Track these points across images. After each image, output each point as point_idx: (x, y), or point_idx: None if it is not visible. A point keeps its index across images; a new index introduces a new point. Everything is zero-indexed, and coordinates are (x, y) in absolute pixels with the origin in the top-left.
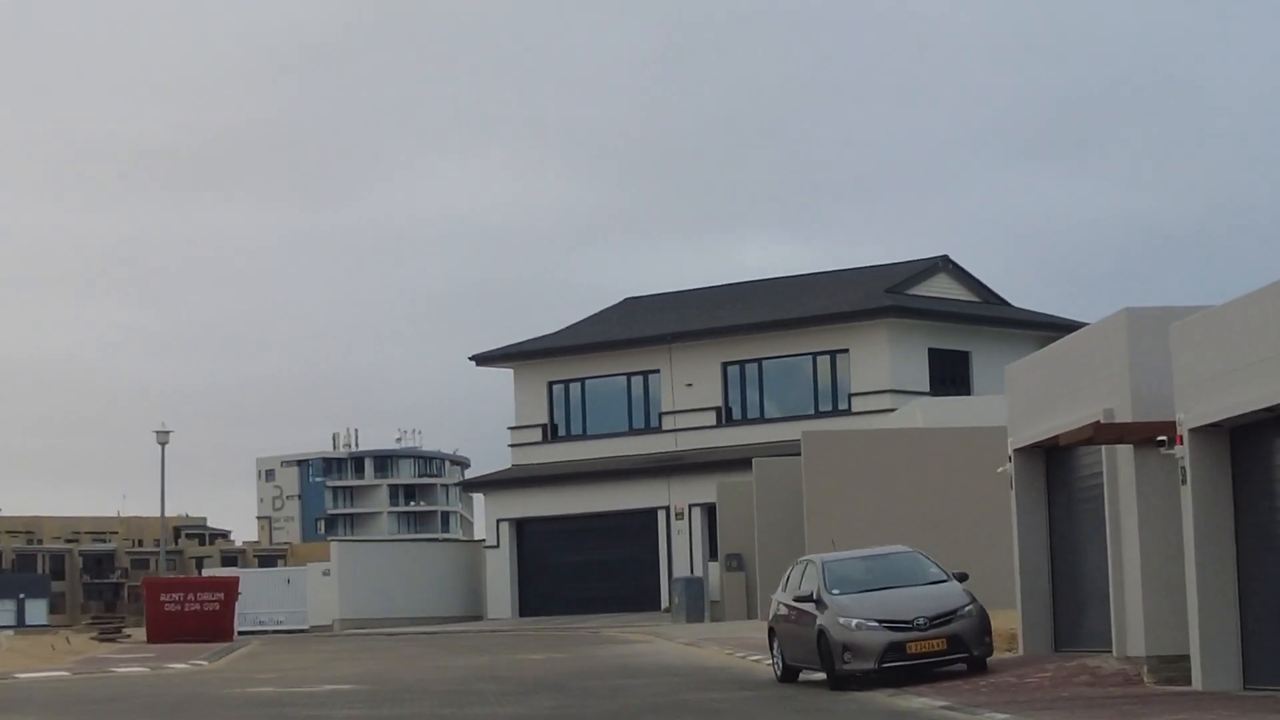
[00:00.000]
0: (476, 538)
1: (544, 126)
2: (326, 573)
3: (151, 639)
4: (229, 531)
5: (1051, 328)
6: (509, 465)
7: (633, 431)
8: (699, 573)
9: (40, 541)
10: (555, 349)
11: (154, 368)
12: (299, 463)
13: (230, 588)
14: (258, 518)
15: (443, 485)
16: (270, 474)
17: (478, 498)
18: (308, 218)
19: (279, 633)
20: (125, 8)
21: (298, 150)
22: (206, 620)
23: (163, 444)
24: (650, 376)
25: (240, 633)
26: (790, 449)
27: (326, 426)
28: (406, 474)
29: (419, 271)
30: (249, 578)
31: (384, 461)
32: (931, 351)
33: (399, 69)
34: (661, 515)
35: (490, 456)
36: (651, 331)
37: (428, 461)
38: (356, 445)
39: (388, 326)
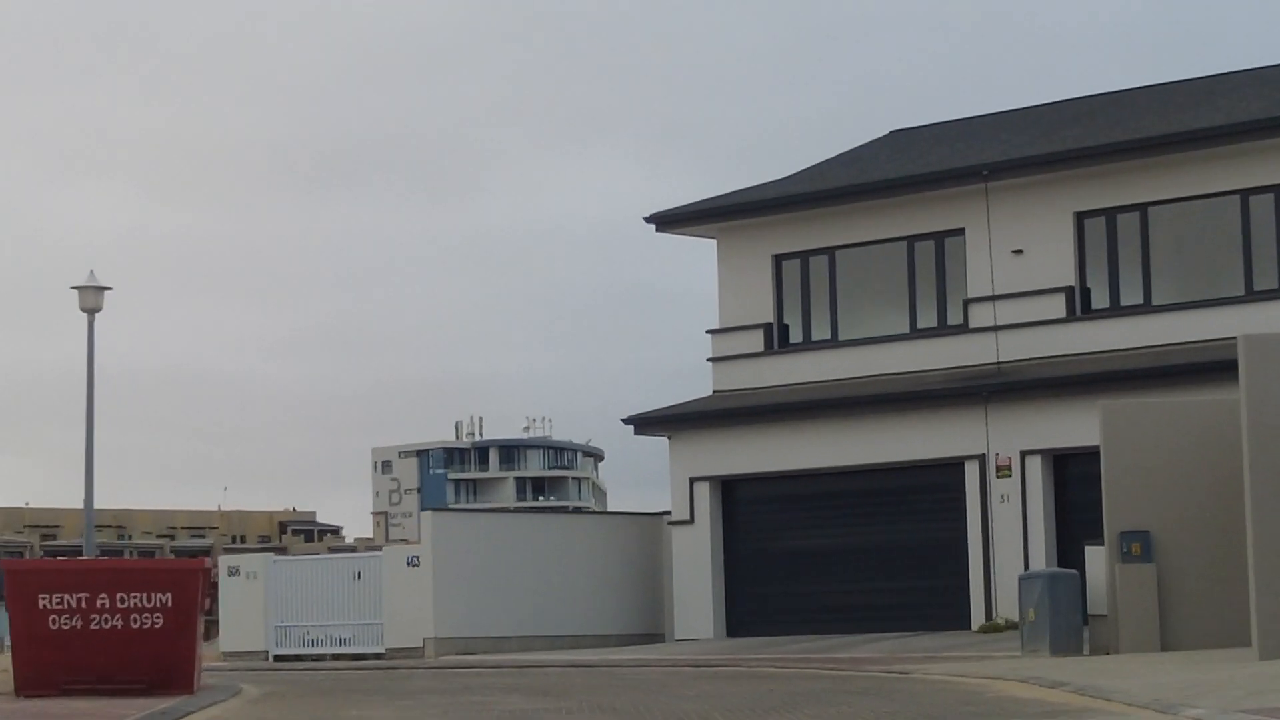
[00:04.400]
0: (655, 510)
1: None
2: (414, 561)
3: (23, 688)
4: (340, 527)
5: None
6: (708, 393)
7: (918, 333)
8: (1039, 564)
9: (130, 537)
10: (786, 200)
11: (272, 369)
12: (418, 453)
13: (187, 583)
14: (373, 513)
15: (574, 478)
16: (387, 465)
17: (652, 447)
18: (432, 219)
19: (339, 660)
20: (251, 10)
21: (422, 152)
22: (136, 648)
23: (90, 312)
24: (948, 241)
25: (278, 657)
26: (1208, 357)
27: (450, 419)
28: (535, 466)
29: (549, 271)
30: (293, 569)
31: (510, 452)
32: None
33: (524, 68)
34: (972, 470)
35: (629, 446)
36: (947, 165)
37: (558, 452)
38: (481, 435)
39: (516, 325)
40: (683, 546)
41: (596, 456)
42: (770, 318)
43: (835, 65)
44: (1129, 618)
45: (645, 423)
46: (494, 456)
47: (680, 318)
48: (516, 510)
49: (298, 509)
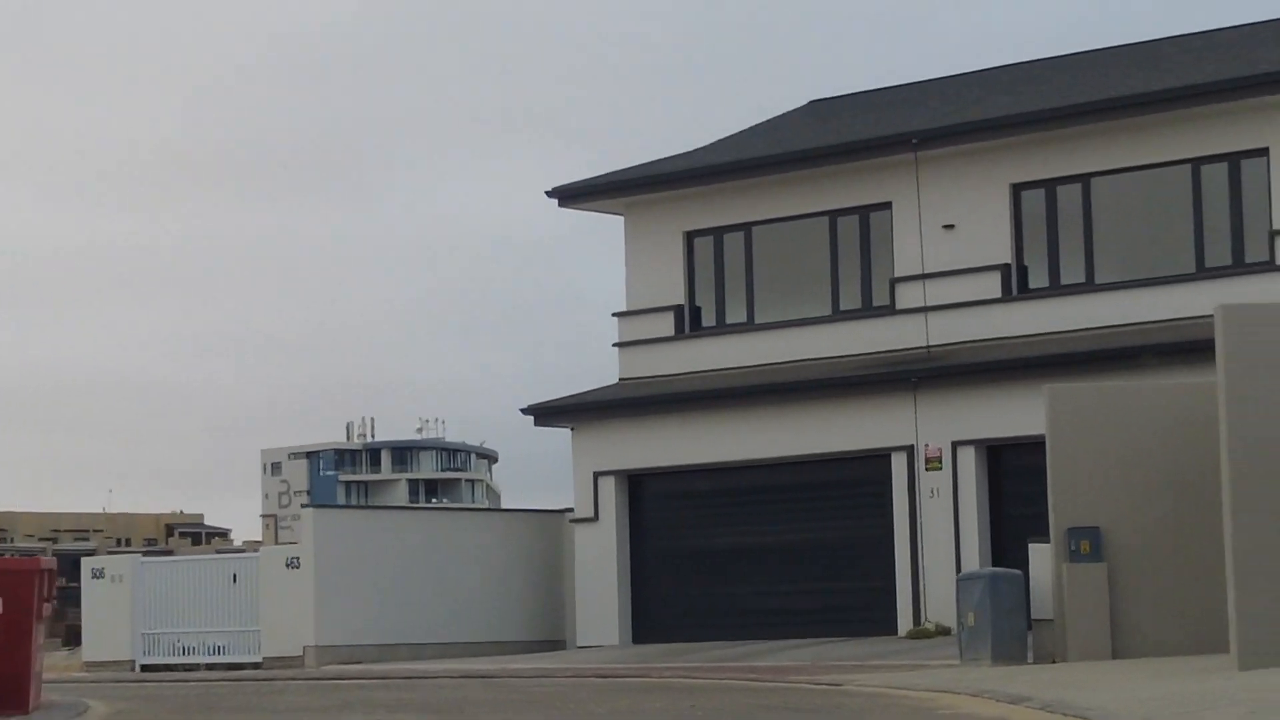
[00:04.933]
0: (557, 507)
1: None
2: (294, 563)
3: None
4: (228, 530)
5: None
6: (614, 380)
7: (841, 315)
8: (972, 564)
9: (12, 539)
10: (698, 172)
11: (164, 371)
12: (308, 455)
13: (19, 586)
14: (262, 516)
15: (468, 480)
16: (277, 467)
17: (552, 439)
18: (327, 220)
19: (213, 669)
20: (152, 9)
21: (320, 153)
22: None
23: None
24: (874, 216)
25: (146, 667)
26: (1156, 340)
27: (343, 421)
28: (428, 467)
29: (447, 273)
30: (162, 572)
31: (403, 454)
32: None
33: (424, 68)
34: (900, 463)
35: (525, 449)
36: (873, 133)
37: (452, 454)
38: (373, 436)
39: (413, 326)
40: (586, 546)
41: (491, 458)
42: (681, 299)
43: (750, 42)
44: (1078, 622)
45: (546, 413)
46: (386, 458)
47: (583, 319)
48: (406, 508)
49: (185, 511)
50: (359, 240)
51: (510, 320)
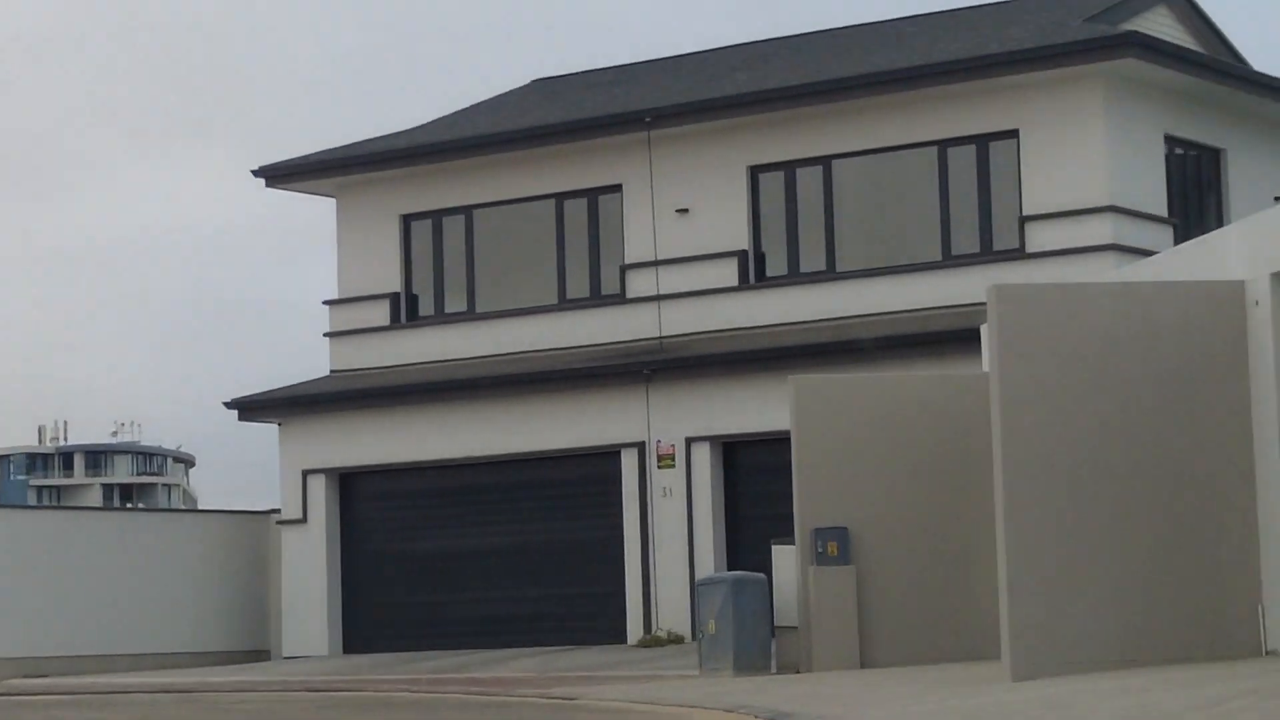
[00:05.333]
0: (263, 508)
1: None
2: None
3: None
4: None
5: None
6: (325, 373)
7: (569, 304)
8: (707, 568)
9: None
10: (415, 151)
11: None
12: None
13: None
14: None
15: (164, 485)
16: None
17: (258, 434)
18: (15, 224)
19: None
20: None
21: (11, 153)
22: None
23: None
24: (603, 199)
25: None
26: (902, 330)
27: (33, 423)
28: (123, 472)
29: (143, 275)
30: None
31: (97, 458)
32: (1172, 145)
33: (117, 70)
34: (630, 460)
35: (228, 453)
36: (603, 111)
37: (148, 458)
38: (66, 439)
39: (108, 329)
40: (293, 550)
41: (188, 462)
42: (397, 287)
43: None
44: (824, 629)
45: (251, 407)
46: (79, 462)
47: (293, 312)
48: (95, 508)
49: None
50: (48, 242)
51: (214, 317)
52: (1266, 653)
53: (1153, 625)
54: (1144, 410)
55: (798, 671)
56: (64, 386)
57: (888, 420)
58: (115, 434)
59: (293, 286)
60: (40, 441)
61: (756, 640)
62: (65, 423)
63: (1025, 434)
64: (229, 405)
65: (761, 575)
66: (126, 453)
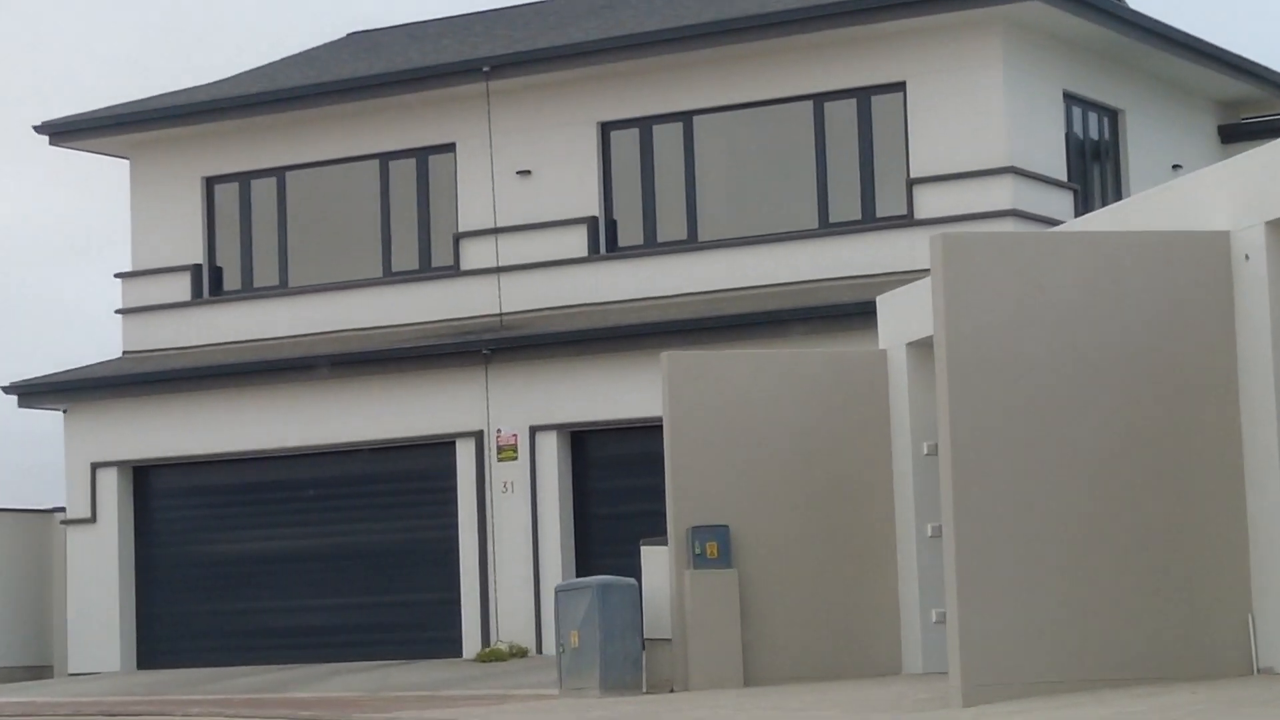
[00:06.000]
0: (45, 506)
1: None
2: None
3: None
4: None
5: (1260, 79)
6: (117, 355)
7: (395, 277)
8: (554, 573)
9: None
10: (220, 105)
11: None
12: None
13: None
14: None
15: None
16: None
17: (39, 429)
18: None
19: None
20: None
21: None
22: None
23: None
24: (434, 160)
25: None
26: (777, 305)
27: None
28: None
29: None
30: None
31: None
32: (1070, 103)
33: None
34: (466, 452)
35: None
36: (433, 60)
37: None
38: None
39: None
40: (81, 553)
41: None
42: (199, 258)
43: None
44: (703, 642)
45: (33, 392)
46: None
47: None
48: None
49: None
50: None
51: None
52: (1258, 671)
53: (1126, 640)
54: (1115, 384)
55: (672, 690)
56: None
57: (776, 403)
58: None
59: (73, 272)
60: None
61: (626, 654)
62: None
63: (976, 414)
64: (7, 390)
65: (631, 580)
66: None
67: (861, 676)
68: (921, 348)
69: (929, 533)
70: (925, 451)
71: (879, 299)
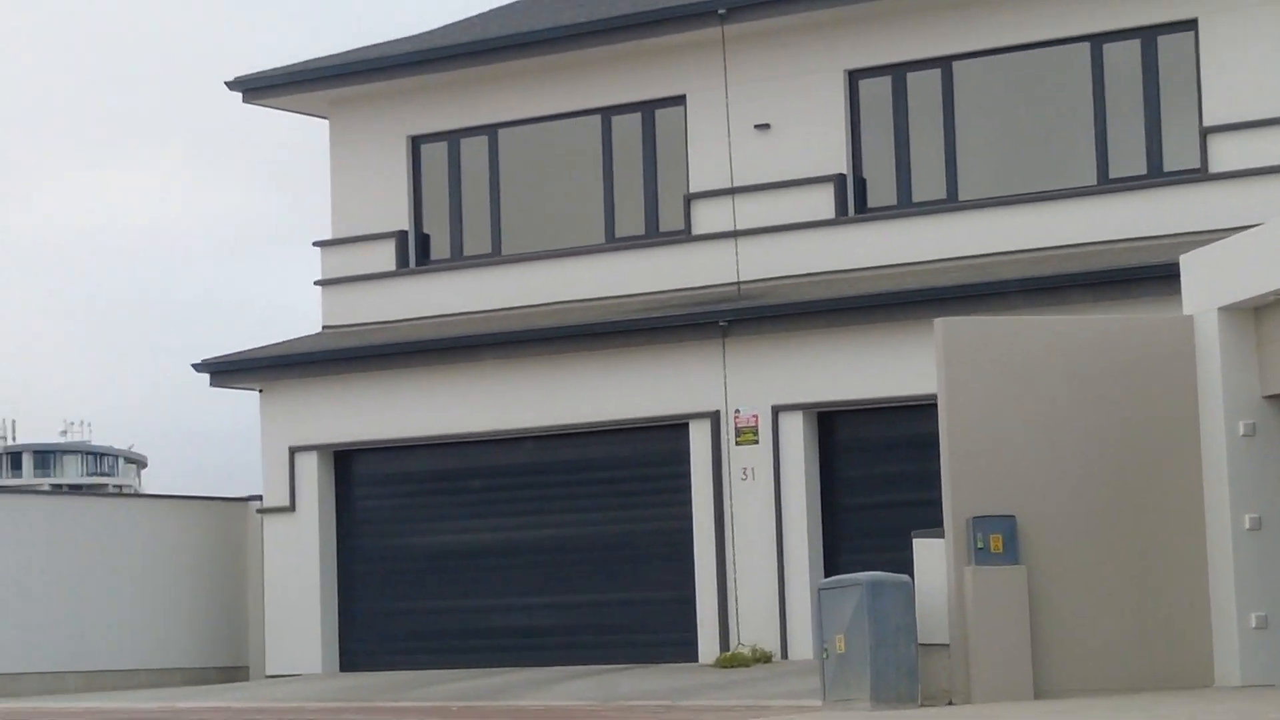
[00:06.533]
0: (242, 494)
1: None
2: None
3: None
4: None
5: None
6: (317, 330)
7: (619, 244)
8: (800, 569)
9: None
10: (427, 57)
11: None
12: None
13: None
14: None
15: (115, 486)
16: None
17: (207, 448)
18: None
19: None
20: None
21: None
22: None
23: None
24: (662, 114)
25: None
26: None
27: None
28: (73, 472)
29: (82, 282)
30: None
31: (46, 458)
32: None
33: (66, 74)
34: (701, 434)
35: (177, 456)
36: (662, 3)
37: (98, 458)
38: (14, 439)
39: (58, 330)
40: (278, 544)
41: (139, 463)
42: (405, 224)
43: None
44: (987, 647)
45: (226, 370)
46: (28, 462)
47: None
48: (31, 490)
49: None
50: None
51: (166, 314)
52: None
53: None
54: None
55: (951, 702)
56: (12, 387)
57: (1068, 377)
58: (64, 433)
59: (248, 281)
60: None
61: (900, 662)
62: (13, 422)
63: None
64: (199, 368)
65: (905, 578)
66: (76, 453)
67: (1168, 688)
68: (1237, 313)
69: (1247, 524)
70: (1242, 431)
71: (1183, 258)
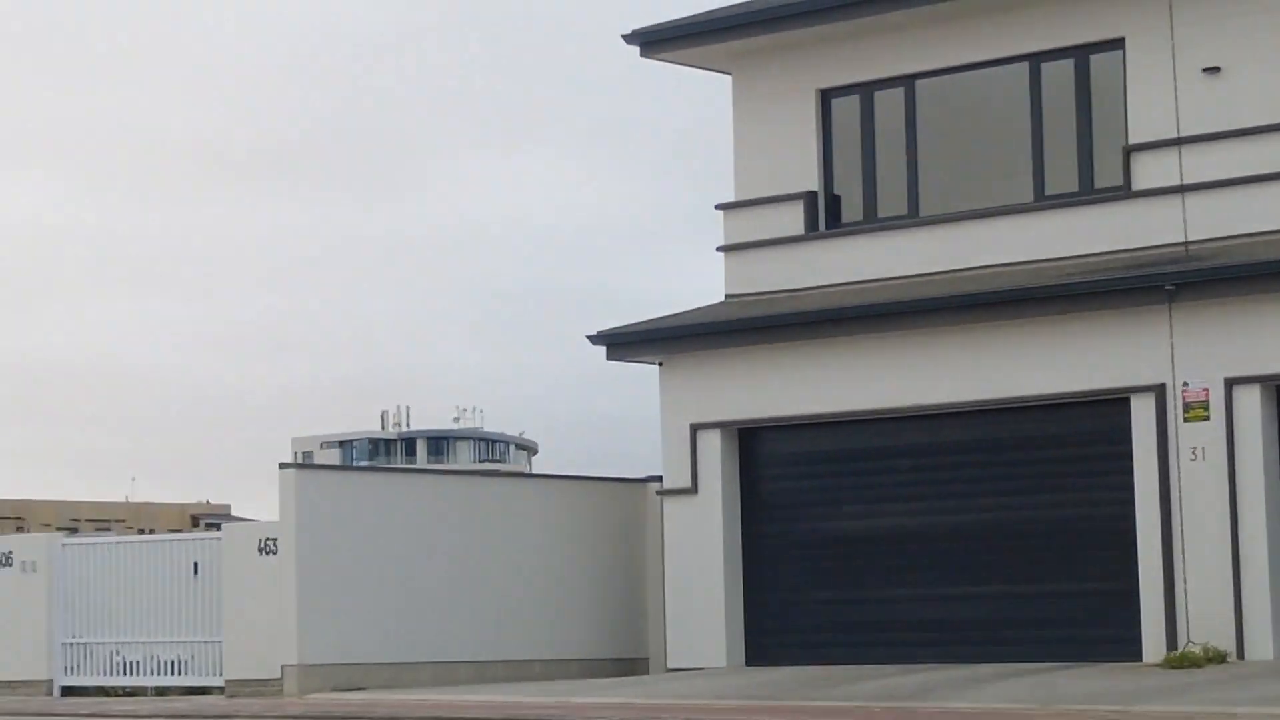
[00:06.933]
0: (641, 475)
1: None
2: (269, 546)
3: None
4: (255, 521)
5: None
6: (719, 299)
7: (1049, 201)
8: (1257, 562)
9: (28, 529)
10: (840, 4)
11: (195, 364)
12: (341, 444)
13: None
14: None
15: (507, 472)
16: (308, 457)
17: (597, 432)
18: (365, 216)
19: (167, 695)
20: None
21: (354, 147)
22: None
23: None
24: (1097, 59)
25: (70, 690)
26: None
27: (377, 413)
28: (465, 458)
29: (479, 270)
30: (94, 558)
31: (439, 444)
32: None
33: (461, 63)
34: (1144, 409)
35: (565, 445)
36: None
37: (489, 444)
38: (408, 425)
39: (450, 320)
40: (680, 529)
41: (530, 450)
42: (813, 184)
43: None
44: None
45: (623, 342)
46: (421, 448)
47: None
48: (427, 470)
49: (212, 501)
50: (394, 232)
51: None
52: None
53: None
54: None
55: None
56: (407, 374)
57: None
58: (457, 420)
59: (645, 261)
60: (383, 427)
61: None
62: (408, 409)
63: None
64: (595, 340)
65: None
66: (468, 439)
67: None
68: None
69: None
70: None
71: None
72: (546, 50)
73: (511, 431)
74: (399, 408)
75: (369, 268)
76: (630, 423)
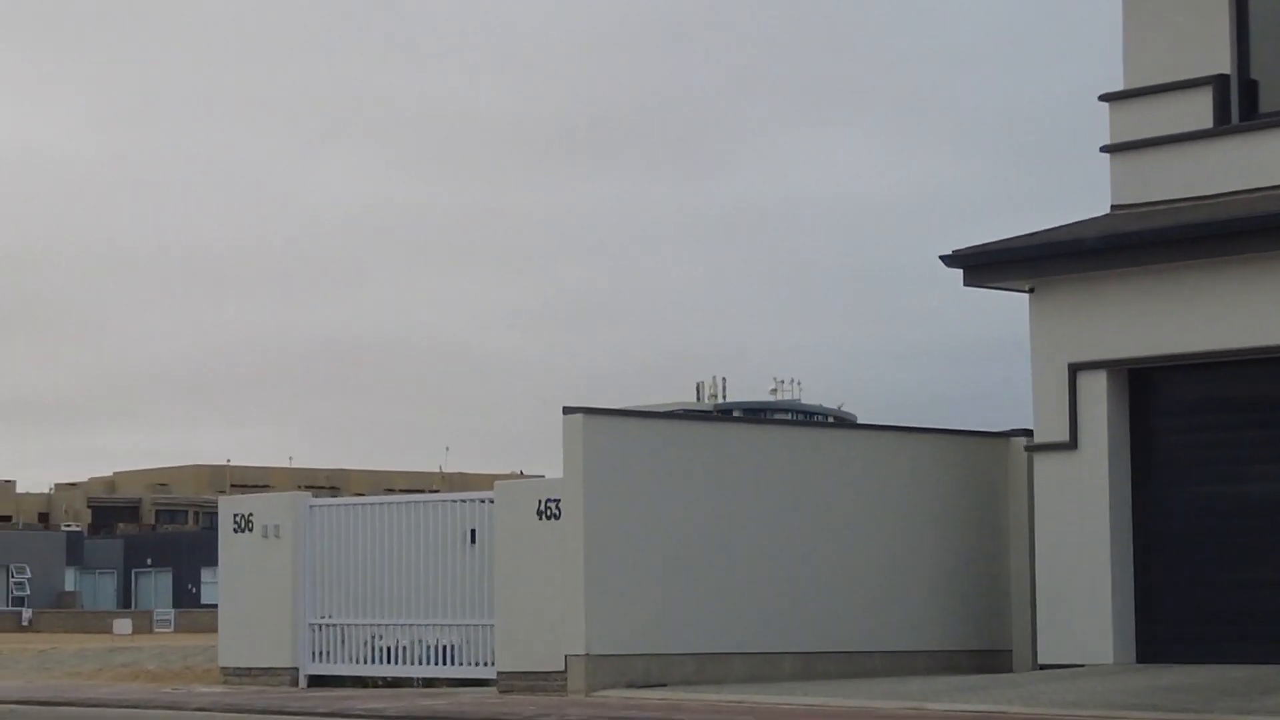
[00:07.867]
0: (1003, 429)
1: (916, 101)
2: (552, 510)
3: None
4: (536, 478)
5: None
6: (1104, 211)
7: None
8: None
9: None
10: None
11: (515, 339)
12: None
13: None
14: None
15: None
16: None
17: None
18: (679, 191)
19: (433, 687)
20: None
21: (669, 124)
22: None
23: None
24: None
25: (316, 679)
26: None
27: (692, 380)
28: None
29: (795, 245)
30: (347, 523)
31: (755, 415)
32: None
33: (772, 39)
34: None
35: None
36: None
37: (807, 417)
38: (724, 397)
39: (767, 296)
40: (1056, 493)
41: (850, 423)
42: (1225, 67)
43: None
44: None
45: (985, 263)
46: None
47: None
48: (744, 421)
49: (525, 472)
50: (708, 209)
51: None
52: None
53: None
54: None
55: None
56: (723, 349)
57: None
58: (774, 392)
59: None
60: (698, 399)
61: None
62: (724, 380)
63: None
64: (950, 261)
65: None
66: (785, 410)
67: None
68: None
69: None
70: None
71: None
72: (866, 23)
73: (830, 404)
74: (715, 379)
75: (687, 244)
76: (955, 402)
